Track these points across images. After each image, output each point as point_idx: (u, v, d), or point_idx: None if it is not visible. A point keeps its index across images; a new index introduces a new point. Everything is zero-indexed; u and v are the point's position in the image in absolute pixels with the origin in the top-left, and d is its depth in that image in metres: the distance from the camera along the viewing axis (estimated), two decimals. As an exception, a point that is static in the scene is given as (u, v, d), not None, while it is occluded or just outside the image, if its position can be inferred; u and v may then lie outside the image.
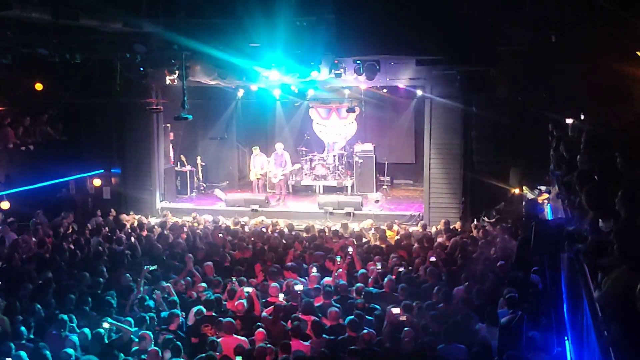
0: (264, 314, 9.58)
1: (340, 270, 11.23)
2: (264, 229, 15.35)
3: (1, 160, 17.19)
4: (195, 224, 16.32)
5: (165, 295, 10.27)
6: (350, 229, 15.52)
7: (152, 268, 11.13)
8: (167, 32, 13.45)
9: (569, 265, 6.33)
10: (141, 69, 15.75)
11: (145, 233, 14.90)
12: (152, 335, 8.52)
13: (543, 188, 13.35)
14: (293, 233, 14.87)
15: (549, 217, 10.91)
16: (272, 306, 9.62)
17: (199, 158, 21.18)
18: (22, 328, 8.78)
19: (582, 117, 12.02)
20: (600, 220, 4.99)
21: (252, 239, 14.16)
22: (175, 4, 13.34)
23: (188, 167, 20.40)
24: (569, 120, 12.07)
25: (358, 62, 15.08)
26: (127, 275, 11.24)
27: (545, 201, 12.73)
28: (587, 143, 6.74)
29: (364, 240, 14.27)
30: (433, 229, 15.51)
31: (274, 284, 10.47)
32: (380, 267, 11.32)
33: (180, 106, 15.05)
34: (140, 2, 12.87)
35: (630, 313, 3.62)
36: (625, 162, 5.19)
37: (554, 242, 7.08)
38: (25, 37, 12.85)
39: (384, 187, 20.01)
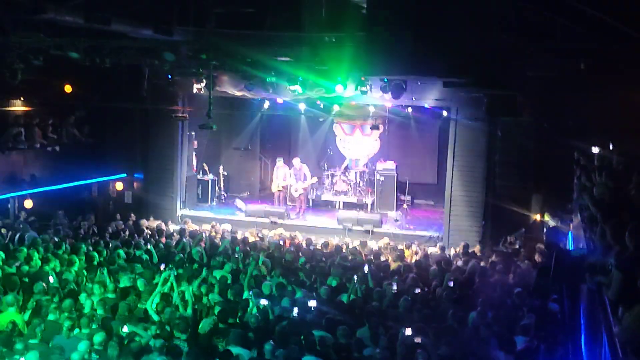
0: (277, 327, 9.53)
1: (356, 287, 11.16)
2: (281, 242, 15.35)
3: (27, 159, 17.40)
4: (214, 233, 16.37)
5: (181, 302, 10.26)
6: (369, 246, 15.46)
7: (170, 272, 11.16)
8: (197, 41, 13.58)
9: (589, 296, 6.25)
10: (169, 76, 15.90)
11: (164, 239, 14.97)
12: (165, 341, 8.51)
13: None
14: (311, 248, 14.85)
15: (570, 246, 10.79)
16: (286, 320, 9.58)
17: (221, 167, 21.28)
18: (37, 329, 8.83)
19: (611, 146, 11.91)
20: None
21: (270, 251, 14.16)
22: (205, 14, 13.47)
23: (210, 176, 20.51)
24: (595, 149, 11.97)
25: (385, 80, 15.08)
26: (145, 279, 11.28)
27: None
28: (608, 174, 6.68)
29: (382, 259, 14.19)
30: (451, 251, 15.41)
31: (288, 297, 10.43)
32: (396, 287, 11.23)
33: (205, 115, 15.16)
34: (171, 10, 13.02)
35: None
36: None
37: (574, 272, 6.99)
38: (57, 40, 13.05)
39: (405, 206, 19.93)
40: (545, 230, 14.97)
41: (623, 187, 6.99)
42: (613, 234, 5.11)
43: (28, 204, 15.65)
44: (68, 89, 16.91)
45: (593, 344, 5.69)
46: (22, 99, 17.35)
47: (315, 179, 20.01)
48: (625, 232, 4.95)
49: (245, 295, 10.56)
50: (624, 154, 10.17)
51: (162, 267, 12.21)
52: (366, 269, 12.09)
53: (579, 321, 6.92)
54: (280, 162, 19.76)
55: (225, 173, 21.47)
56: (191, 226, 17.24)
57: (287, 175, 19.57)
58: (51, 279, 10.76)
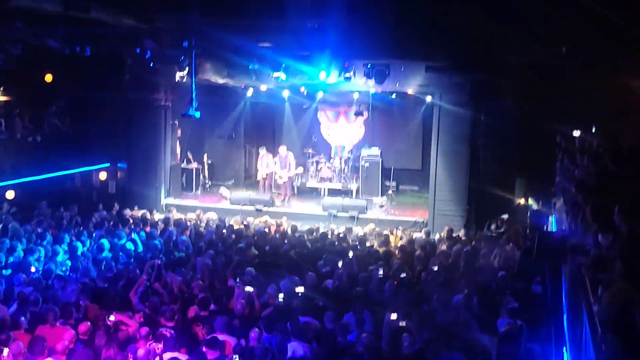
0: (263, 314, 9.56)
1: (341, 272, 11.21)
2: (267, 229, 15.35)
3: (8, 150, 17.24)
4: (199, 222, 16.35)
5: (167, 291, 10.26)
6: (355, 233, 15.50)
7: (155, 260, 11.17)
8: (178, 29, 13.49)
9: (571, 277, 6.31)
10: (151, 64, 15.78)
11: (148, 229, 14.93)
12: (151, 330, 8.51)
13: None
14: (296, 234, 14.87)
15: (553, 228, 10.87)
16: (272, 306, 9.61)
17: (205, 156, 21.21)
18: (22, 318, 8.80)
19: (594, 129, 12.00)
20: (600, 234, 4.97)
21: (255, 238, 14.17)
22: (187, 1, 13.38)
23: (194, 165, 20.44)
24: (576, 133, 12.06)
25: (368, 65, 15.06)
26: (131, 268, 11.28)
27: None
28: (590, 156, 6.73)
29: (368, 244, 14.24)
30: (436, 236, 15.48)
31: (273, 284, 10.44)
32: (381, 272, 11.28)
33: (188, 103, 15.09)
34: (153, -3, 12.92)
35: (630, 328, 3.60)
36: (622, 177, 5.19)
37: (556, 254, 7.05)
38: (36, 28, 12.90)
39: (390, 192, 19.98)
40: (528, 213, 15.06)
41: (604, 169, 7.04)
42: (592, 213, 5.15)
43: (10, 194, 15.52)
44: (48, 78, 16.72)
45: (574, 323, 5.75)
46: (1, 88, 17.15)
47: (300, 170, 20.06)
48: (606, 212, 5.00)
49: (231, 282, 10.59)
50: (605, 136, 10.25)
51: (148, 256, 12.25)
52: (351, 254, 12.15)
53: (561, 302, 6.98)
54: (262, 150, 19.74)
55: (210, 161, 21.41)
56: (176, 215, 17.20)
57: (271, 164, 19.54)
58: (33, 269, 10.72)
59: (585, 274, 5.21)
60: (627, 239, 4.47)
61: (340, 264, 11.67)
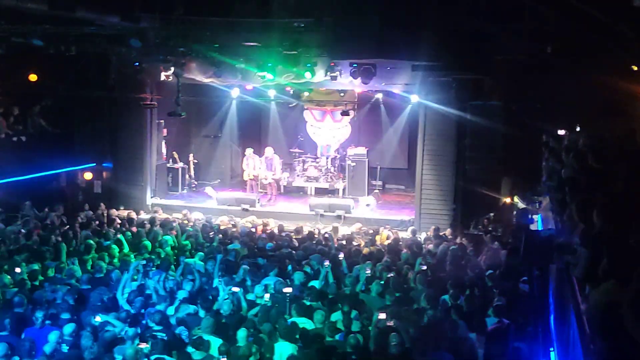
0: (250, 314, 9.53)
1: (328, 272, 11.18)
2: (253, 229, 15.31)
3: (-7, 150, 17.07)
4: (185, 222, 16.27)
5: (155, 292, 10.19)
6: (341, 232, 15.49)
7: (141, 261, 11.11)
8: (164, 28, 13.43)
9: (558, 276, 6.33)
10: (136, 64, 15.70)
11: (134, 229, 14.83)
12: (139, 331, 8.46)
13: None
14: (283, 234, 14.84)
15: (539, 227, 10.91)
16: (259, 306, 9.59)
17: (191, 155, 21.13)
18: (7, 321, 8.70)
19: (578, 128, 12.07)
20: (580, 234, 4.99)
21: (241, 238, 14.11)
22: (172, 0, 13.34)
23: (180, 164, 20.35)
24: (562, 132, 12.12)
25: (354, 65, 15.05)
26: (117, 270, 11.19)
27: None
28: (575, 155, 6.76)
29: (354, 244, 14.24)
30: (423, 235, 15.50)
31: (260, 284, 10.41)
32: (368, 271, 11.28)
33: (174, 103, 15.01)
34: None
35: (617, 328, 3.60)
36: (606, 175, 5.21)
37: (543, 252, 7.07)
38: (20, 27, 12.78)
39: (376, 191, 20.00)
40: (515, 212, 15.12)
41: (589, 168, 7.08)
42: (578, 211, 5.17)
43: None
44: (33, 77, 16.60)
45: (562, 322, 5.77)
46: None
47: (286, 175, 20.09)
48: (591, 210, 5.01)
49: (216, 283, 10.55)
50: (590, 135, 10.31)
51: (134, 256, 12.18)
52: (341, 256, 12.14)
53: (548, 301, 7.01)
54: (249, 151, 19.70)
55: (196, 161, 21.34)
56: (162, 215, 17.11)
57: (257, 164, 19.49)
58: (18, 270, 10.61)
59: (573, 273, 5.23)
60: (612, 237, 4.49)
61: (327, 263, 11.65)
